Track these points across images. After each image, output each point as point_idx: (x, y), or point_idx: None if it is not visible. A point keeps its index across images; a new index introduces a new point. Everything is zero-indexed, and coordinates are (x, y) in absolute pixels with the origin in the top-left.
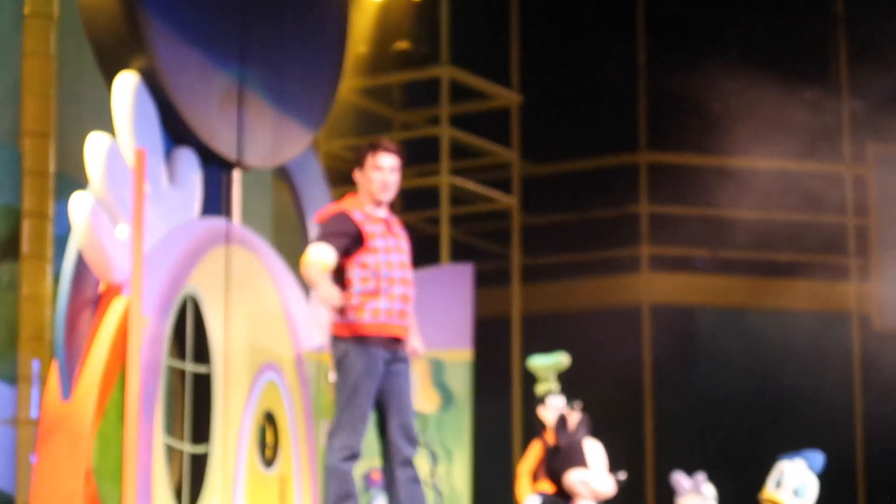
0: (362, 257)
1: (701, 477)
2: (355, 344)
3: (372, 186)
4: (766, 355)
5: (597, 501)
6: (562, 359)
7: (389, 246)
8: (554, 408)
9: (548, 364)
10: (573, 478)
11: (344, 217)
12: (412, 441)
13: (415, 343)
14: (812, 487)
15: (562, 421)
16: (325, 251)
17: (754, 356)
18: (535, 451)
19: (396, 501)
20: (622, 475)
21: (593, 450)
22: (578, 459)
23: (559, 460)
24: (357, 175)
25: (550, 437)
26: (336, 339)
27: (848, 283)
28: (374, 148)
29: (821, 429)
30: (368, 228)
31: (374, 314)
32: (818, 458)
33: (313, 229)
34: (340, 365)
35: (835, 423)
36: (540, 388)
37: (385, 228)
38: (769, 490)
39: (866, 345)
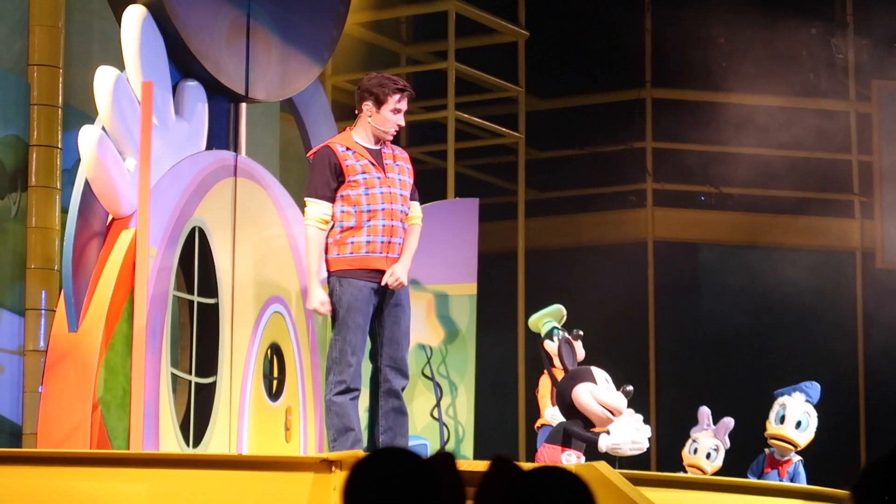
0: (344, 191)
1: (729, 422)
2: (340, 279)
3: (385, 126)
4: (768, 291)
5: (608, 419)
6: (559, 308)
7: (374, 179)
8: (559, 339)
9: (544, 313)
10: (580, 389)
11: (328, 152)
12: (402, 373)
13: (396, 271)
14: (813, 419)
15: (568, 345)
16: (321, 209)
17: (757, 292)
18: (545, 384)
19: (377, 429)
20: (629, 388)
21: (600, 374)
22: (587, 376)
23: (567, 381)
24: (367, 107)
25: (559, 367)
26: (328, 275)
27: (851, 220)
28: (402, 91)
29: (823, 364)
30: (349, 163)
31: (355, 248)
32: (815, 389)
33: None
34: (332, 299)
35: (836, 358)
36: (544, 328)
37: (373, 161)
38: (773, 426)
39: (868, 281)
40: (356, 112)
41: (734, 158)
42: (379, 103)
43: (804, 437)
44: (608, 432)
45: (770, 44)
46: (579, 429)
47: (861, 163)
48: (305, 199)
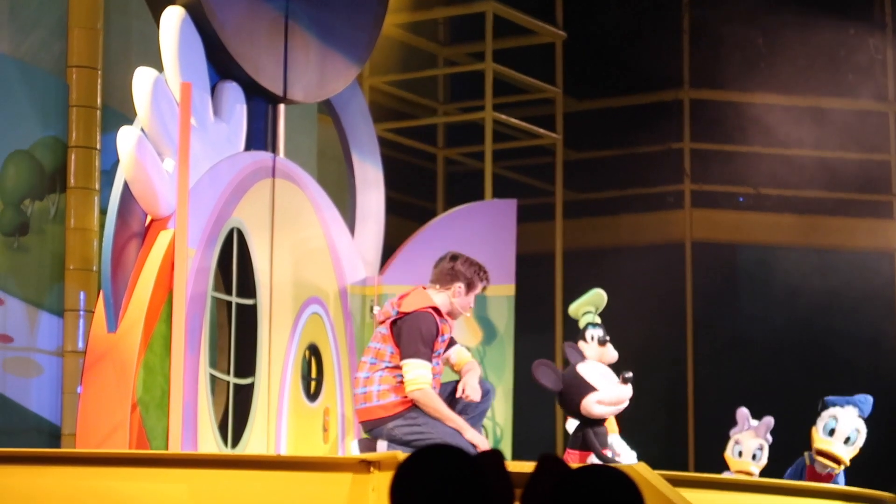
0: None
1: (769, 421)
2: (404, 415)
3: (465, 310)
4: (807, 293)
5: (619, 409)
6: (599, 294)
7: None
8: (593, 338)
9: (584, 300)
10: (587, 404)
11: (434, 320)
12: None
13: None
14: (862, 435)
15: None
16: (428, 373)
17: (795, 294)
18: None
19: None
20: (628, 374)
21: (588, 370)
22: (585, 388)
23: (567, 398)
24: (458, 288)
25: None
26: (390, 418)
27: (890, 220)
28: (488, 283)
29: (862, 367)
30: (441, 339)
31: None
32: (868, 403)
33: (361, 170)
34: (406, 433)
35: (876, 360)
36: (582, 320)
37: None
38: (821, 437)
39: None
40: (438, 285)
41: (772, 159)
42: (469, 288)
43: (850, 453)
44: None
45: (808, 44)
46: (594, 438)
47: None
48: (413, 360)
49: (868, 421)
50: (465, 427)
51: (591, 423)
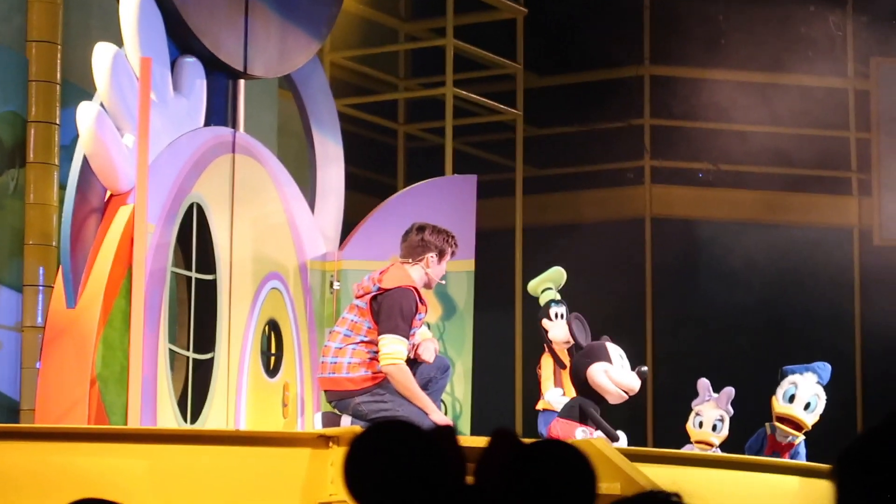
0: None
1: (730, 391)
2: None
3: (439, 277)
4: (766, 268)
5: (622, 397)
6: (559, 271)
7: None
8: (557, 315)
9: (543, 277)
10: (596, 368)
11: (414, 296)
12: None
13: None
14: (822, 401)
15: (578, 322)
16: (405, 348)
17: (755, 269)
18: (548, 363)
19: None
20: (644, 369)
21: (615, 350)
22: (603, 355)
23: (583, 358)
24: (431, 258)
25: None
26: (360, 391)
27: (849, 197)
28: (457, 247)
29: (820, 341)
30: (420, 317)
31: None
32: (826, 370)
33: (322, 145)
34: (372, 409)
35: (833, 335)
36: (542, 297)
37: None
38: (781, 404)
39: (866, 258)
40: (410, 258)
41: (732, 135)
42: (441, 256)
43: (811, 419)
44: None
45: (768, 21)
46: (596, 412)
47: (859, 140)
48: (391, 335)
49: (826, 393)
50: (432, 408)
51: (589, 397)
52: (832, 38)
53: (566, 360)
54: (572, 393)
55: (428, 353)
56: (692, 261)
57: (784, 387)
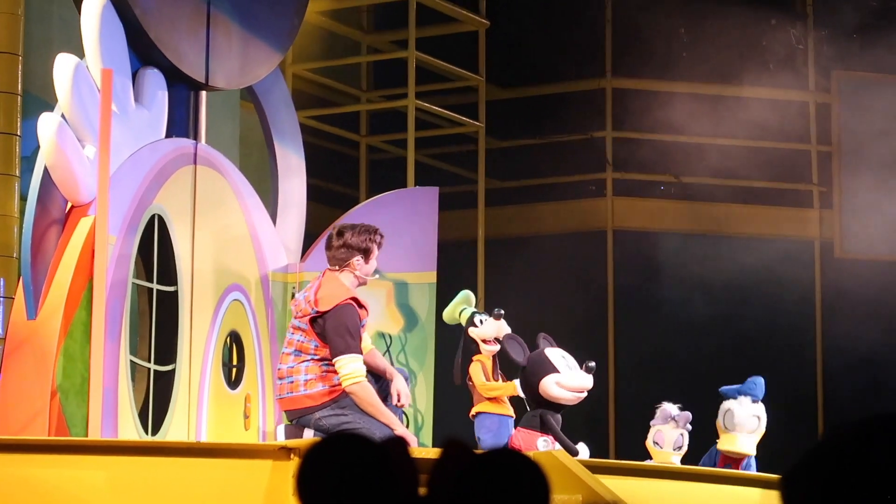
0: None
1: (688, 415)
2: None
3: (370, 275)
4: (728, 281)
5: (578, 399)
6: (468, 294)
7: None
8: (482, 321)
9: (457, 302)
10: (546, 383)
11: (355, 311)
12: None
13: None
14: (762, 418)
15: (513, 341)
16: (362, 365)
17: (717, 282)
18: (477, 371)
19: None
20: (591, 364)
21: (555, 354)
22: (548, 366)
23: (530, 376)
24: (358, 262)
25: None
26: (320, 406)
27: (810, 209)
28: (382, 238)
29: (781, 353)
30: (364, 322)
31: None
32: (759, 386)
33: (284, 157)
34: (333, 423)
35: (795, 347)
36: (463, 317)
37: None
38: (723, 435)
39: (827, 271)
40: (337, 266)
41: (694, 148)
42: (367, 256)
43: (752, 442)
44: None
45: (729, 34)
46: (557, 423)
47: (820, 153)
48: (345, 356)
49: (782, 405)
50: (395, 423)
51: (548, 408)
52: (793, 52)
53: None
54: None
55: (409, 399)
56: (654, 273)
57: (722, 412)
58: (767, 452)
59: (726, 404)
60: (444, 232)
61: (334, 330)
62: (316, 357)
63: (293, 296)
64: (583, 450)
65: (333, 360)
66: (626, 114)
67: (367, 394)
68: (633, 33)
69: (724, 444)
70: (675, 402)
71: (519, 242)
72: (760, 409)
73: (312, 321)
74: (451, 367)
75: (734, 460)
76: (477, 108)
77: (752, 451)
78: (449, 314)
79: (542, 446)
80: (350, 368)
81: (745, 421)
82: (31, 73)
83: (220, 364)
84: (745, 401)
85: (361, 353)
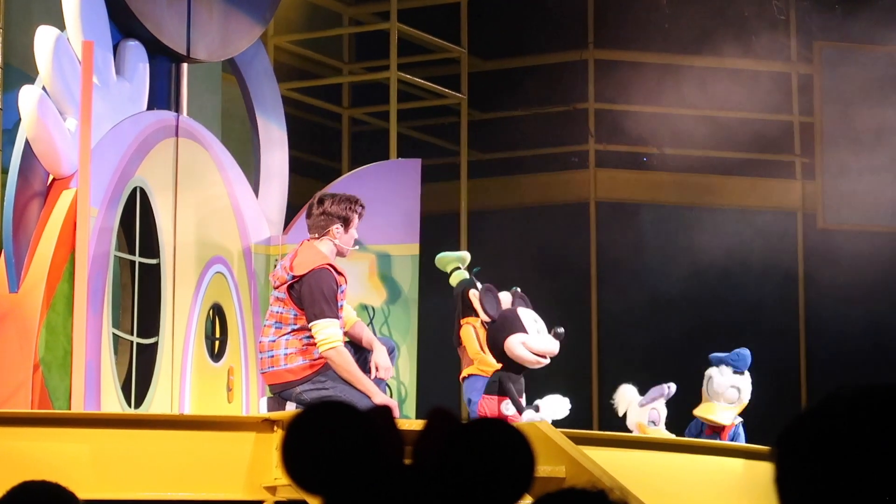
0: None
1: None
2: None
3: (350, 244)
4: (711, 252)
5: (540, 363)
6: (466, 254)
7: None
8: (481, 287)
9: (452, 257)
10: (513, 341)
11: (331, 276)
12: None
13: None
14: (745, 390)
15: (489, 293)
16: (338, 329)
17: (699, 253)
18: (469, 335)
19: None
20: (560, 329)
21: (528, 316)
22: (517, 325)
23: (498, 332)
24: (337, 230)
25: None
26: (302, 379)
27: (793, 181)
28: (363, 209)
29: (764, 323)
30: (343, 289)
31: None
32: (743, 358)
33: (266, 129)
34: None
35: (778, 317)
36: (453, 277)
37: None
38: (703, 403)
39: (809, 242)
40: (317, 234)
41: (676, 119)
42: (347, 225)
43: (730, 414)
44: (536, 409)
45: (712, 5)
46: (511, 385)
47: (802, 124)
48: (321, 320)
49: (767, 375)
50: (374, 391)
51: (509, 369)
52: (775, 23)
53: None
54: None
55: (389, 372)
56: (637, 244)
57: (705, 380)
58: (751, 423)
59: (709, 371)
60: (426, 204)
61: (309, 295)
62: (296, 327)
63: (275, 267)
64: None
65: (310, 325)
66: (608, 85)
67: (343, 360)
68: (615, 4)
69: (702, 411)
70: (657, 372)
71: (502, 214)
72: (743, 380)
73: (290, 288)
74: (435, 339)
75: (720, 430)
76: (459, 80)
77: (727, 422)
78: (441, 262)
79: (505, 410)
80: (326, 333)
81: (723, 391)
82: (11, 45)
83: (203, 337)
84: (726, 370)
85: (338, 317)
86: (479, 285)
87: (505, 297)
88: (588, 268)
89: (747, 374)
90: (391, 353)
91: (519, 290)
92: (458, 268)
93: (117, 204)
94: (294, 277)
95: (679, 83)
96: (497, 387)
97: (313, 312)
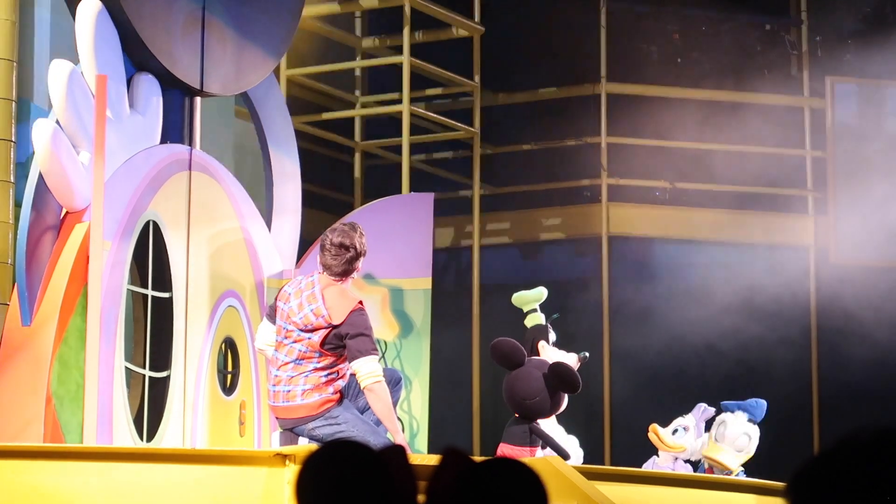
0: None
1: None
2: (334, 408)
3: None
4: (722, 287)
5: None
6: (542, 292)
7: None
8: (552, 342)
9: (531, 296)
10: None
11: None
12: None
13: None
14: (753, 440)
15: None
16: (380, 366)
17: (711, 288)
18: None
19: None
20: (585, 354)
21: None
22: (545, 335)
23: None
24: (359, 265)
25: None
26: (318, 414)
27: (805, 216)
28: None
29: (776, 361)
30: None
31: (336, 388)
32: (760, 408)
33: (279, 163)
34: (332, 430)
35: (790, 354)
36: (529, 318)
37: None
38: (712, 444)
39: (822, 277)
40: (342, 275)
41: (688, 154)
42: (353, 272)
43: (740, 459)
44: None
45: (724, 39)
46: (545, 432)
47: (814, 159)
48: (369, 357)
49: (776, 415)
50: (397, 430)
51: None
52: (788, 58)
53: None
54: None
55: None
56: (649, 279)
57: (716, 425)
58: (763, 461)
59: (723, 416)
60: (439, 238)
61: (356, 336)
62: (319, 365)
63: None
64: (574, 445)
65: (352, 363)
66: (620, 119)
67: (385, 394)
68: (628, 39)
69: (710, 451)
70: (668, 407)
71: (514, 249)
72: (754, 430)
73: (325, 334)
74: (446, 373)
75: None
76: (472, 114)
77: (734, 467)
78: (519, 301)
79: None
80: (370, 368)
81: (736, 437)
82: (25, 78)
83: (216, 370)
84: (741, 416)
85: (378, 354)
86: (552, 335)
87: (571, 359)
88: (600, 302)
89: (757, 426)
90: (397, 385)
91: (587, 354)
92: (535, 310)
93: (130, 237)
94: (333, 326)
95: (691, 117)
96: (527, 438)
97: (359, 350)
